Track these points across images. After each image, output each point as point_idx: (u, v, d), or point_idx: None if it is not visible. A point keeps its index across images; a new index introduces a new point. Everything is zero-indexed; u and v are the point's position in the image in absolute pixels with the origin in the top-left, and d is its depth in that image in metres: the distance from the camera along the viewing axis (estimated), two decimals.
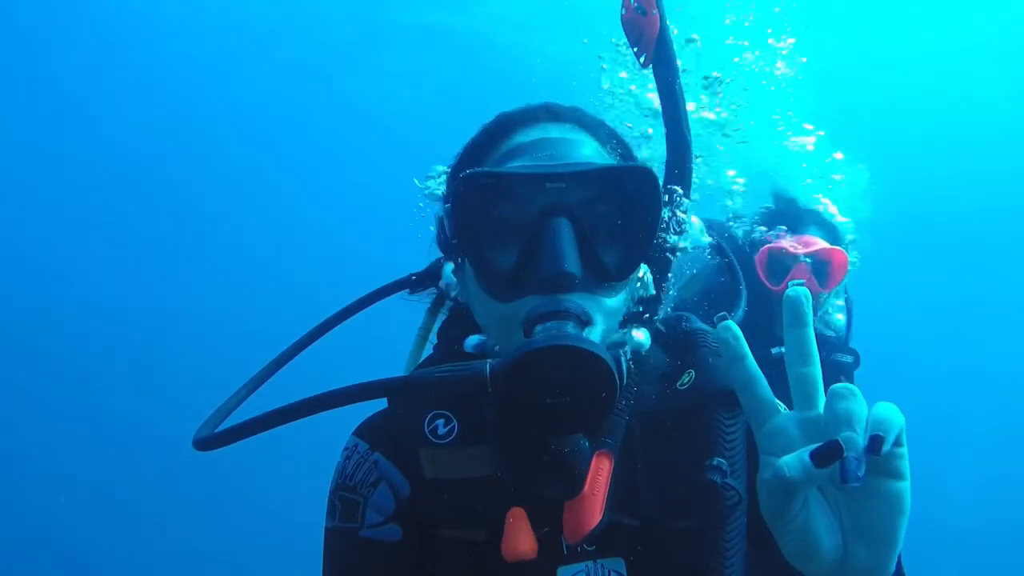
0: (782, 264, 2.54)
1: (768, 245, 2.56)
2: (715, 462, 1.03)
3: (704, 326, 1.20)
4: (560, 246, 0.93)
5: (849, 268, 2.54)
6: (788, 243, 2.54)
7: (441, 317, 1.26)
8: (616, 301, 1.03)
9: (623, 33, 1.17)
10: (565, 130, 1.07)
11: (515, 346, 0.89)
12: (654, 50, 1.15)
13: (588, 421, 0.93)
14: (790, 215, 2.66)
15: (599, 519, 0.98)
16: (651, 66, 1.15)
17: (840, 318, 2.69)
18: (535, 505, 0.99)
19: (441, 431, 0.99)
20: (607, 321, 1.00)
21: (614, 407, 0.97)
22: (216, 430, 1.04)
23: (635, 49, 1.17)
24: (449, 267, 1.14)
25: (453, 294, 1.14)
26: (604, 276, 0.99)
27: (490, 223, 1.00)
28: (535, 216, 0.97)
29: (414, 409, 1.00)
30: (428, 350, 1.25)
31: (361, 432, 1.15)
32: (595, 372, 0.87)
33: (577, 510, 0.98)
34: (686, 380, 1.09)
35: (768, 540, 1.00)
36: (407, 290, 1.24)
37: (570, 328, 0.92)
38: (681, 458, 1.05)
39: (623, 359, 0.97)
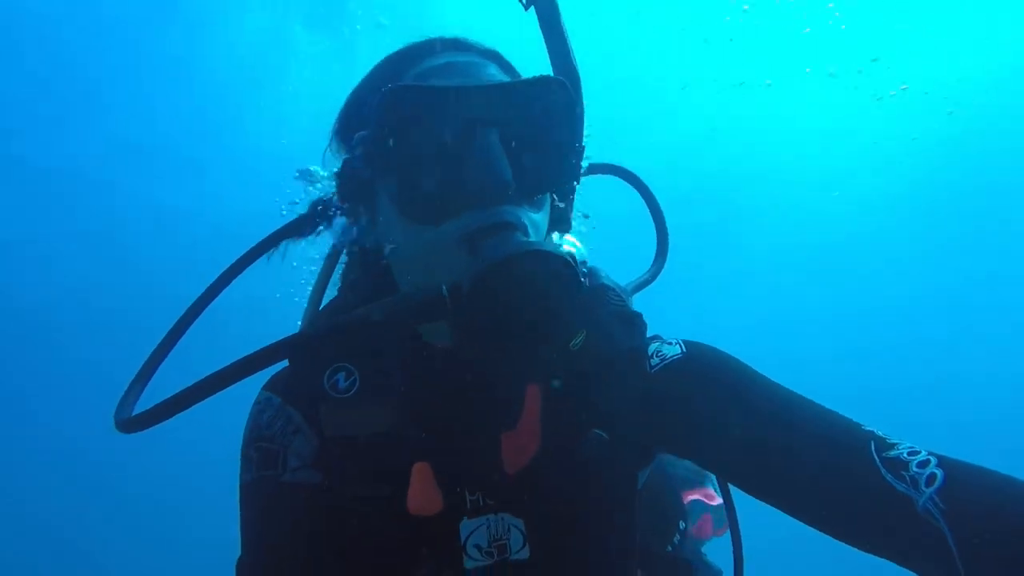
0: (696, 513, 2.81)
1: (687, 496, 2.84)
2: (594, 433, 1.02)
3: (610, 282, 1.19)
4: (493, 156, 0.90)
5: None
6: (701, 495, 2.80)
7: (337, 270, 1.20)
8: (542, 216, 1.01)
9: None
10: (469, 55, 1.06)
11: (466, 264, 0.87)
12: None
13: (555, 329, 0.91)
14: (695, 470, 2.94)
15: (538, 446, 0.99)
16: (532, 6, 1.14)
17: None
18: (443, 457, 0.98)
19: (342, 384, 0.98)
20: (536, 236, 0.98)
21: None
22: (136, 411, 0.97)
23: None
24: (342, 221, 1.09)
25: (362, 243, 1.09)
26: (532, 187, 0.98)
27: (415, 140, 0.95)
28: (461, 130, 0.94)
29: (315, 363, 0.99)
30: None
31: (273, 387, 1.10)
32: (565, 278, 0.86)
33: (516, 438, 0.98)
34: (578, 340, 1.05)
35: None
36: (298, 236, 1.17)
37: (521, 236, 0.91)
38: (569, 420, 1.04)
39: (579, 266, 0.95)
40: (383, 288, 1.05)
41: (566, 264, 0.86)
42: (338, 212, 1.10)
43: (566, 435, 1.03)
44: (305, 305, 1.21)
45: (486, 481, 1.01)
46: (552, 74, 1.07)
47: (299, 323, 1.20)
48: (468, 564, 1.01)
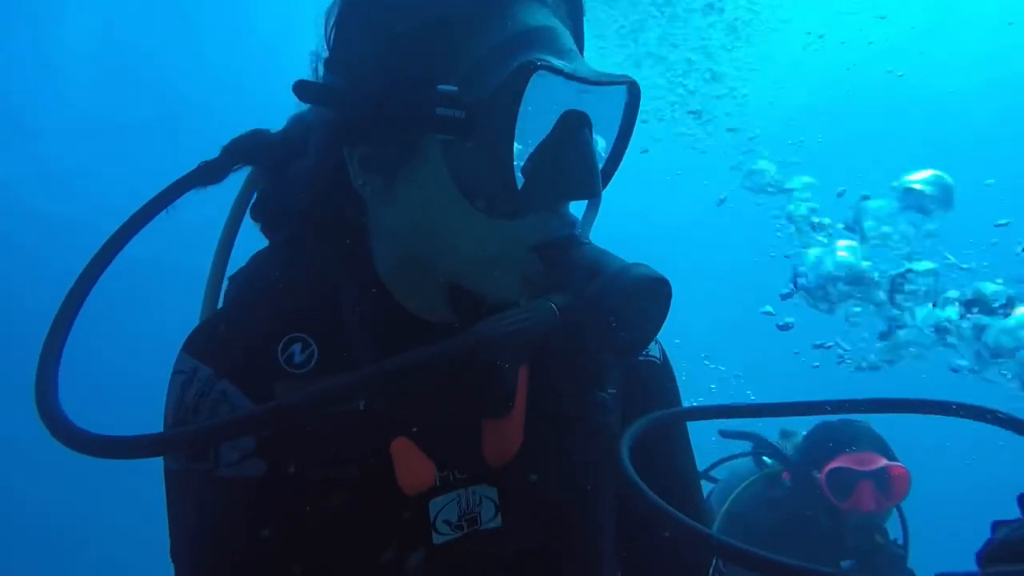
0: (846, 482, 2.65)
1: (829, 466, 2.66)
2: (599, 396, 1.00)
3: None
4: (590, 163, 0.82)
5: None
6: (850, 461, 2.65)
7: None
8: None
9: None
10: (559, 13, 0.90)
11: (537, 270, 0.83)
12: None
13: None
14: (844, 434, 2.73)
15: (522, 436, 0.93)
16: None
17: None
18: (415, 435, 0.90)
19: (298, 358, 0.87)
20: None
21: None
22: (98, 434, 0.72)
23: None
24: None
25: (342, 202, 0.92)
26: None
27: (519, 126, 0.80)
28: (565, 124, 0.83)
29: (264, 332, 0.88)
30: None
31: (199, 352, 0.90)
32: (668, 302, 0.83)
33: (501, 429, 0.91)
34: None
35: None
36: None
37: (614, 256, 0.85)
38: (566, 385, 1.01)
39: None
40: (347, 262, 0.94)
41: (670, 290, 0.83)
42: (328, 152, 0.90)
43: (556, 411, 0.98)
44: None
45: (461, 460, 0.93)
46: None
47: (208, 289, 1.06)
48: (436, 540, 0.94)
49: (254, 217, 1.07)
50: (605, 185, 0.92)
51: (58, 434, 0.73)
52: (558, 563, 1.00)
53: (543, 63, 0.78)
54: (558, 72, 0.79)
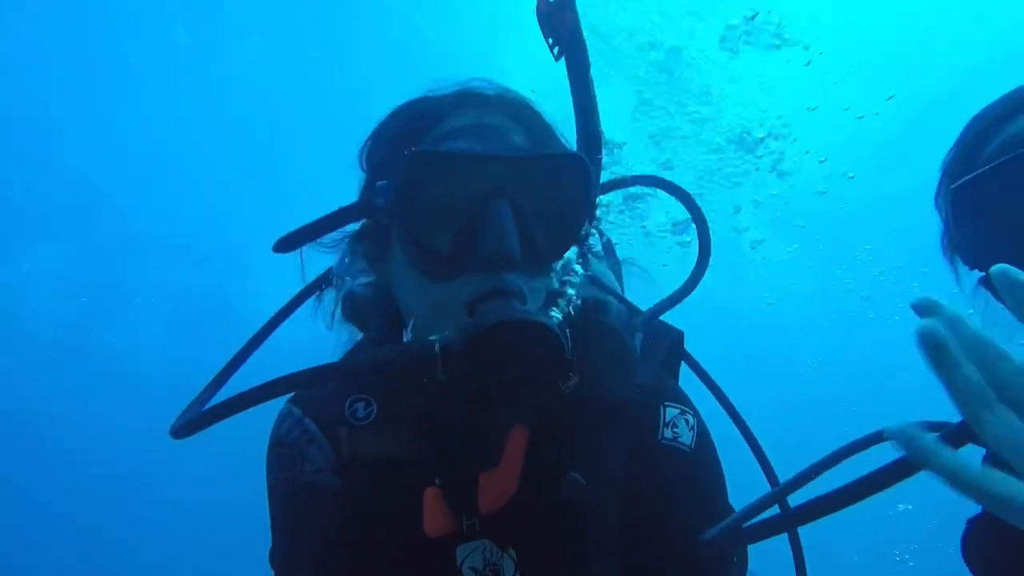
0: None
1: None
2: (571, 477, 1.06)
3: (612, 323, 1.22)
4: (504, 227, 0.98)
5: None
6: None
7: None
8: (543, 282, 1.08)
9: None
10: (498, 116, 1.12)
11: (462, 325, 0.94)
12: (567, 42, 1.21)
13: (536, 396, 0.99)
14: None
15: (514, 489, 1.03)
16: (564, 59, 1.22)
17: None
18: (448, 483, 1.05)
19: (361, 414, 1.11)
20: (535, 301, 1.05)
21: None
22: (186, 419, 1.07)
23: (549, 42, 1.23)
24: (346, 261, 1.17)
25: (362, 281, 1.17)
26: (537, 258, 1.05)
27: (432, 202, 1.03)
28: (478, 197, 1.01)
29: (337, 392, 1.12)
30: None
31: (296, 400, 1.21)
32: (549, 347, 0.92)
33: (495, 480, 1.03)
34: (571, 383, 1.09)
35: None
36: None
37: (516, 304, 0.97)
38: (552, 462, 1.08)
39: (566, 335, 0.98)
40: (396, 327, 1.12)
41: (548, 332, 0.92)
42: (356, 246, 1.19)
43: (548, 476, 1.07)
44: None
45: (473, 508, 1.05)
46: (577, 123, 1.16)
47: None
48: None
49: (346, 316, 1.26)
50: (563, 249, 1.08)
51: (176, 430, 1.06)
52: None
53: (421, 150, 1.04)
54: (434, 154, 1.03)
